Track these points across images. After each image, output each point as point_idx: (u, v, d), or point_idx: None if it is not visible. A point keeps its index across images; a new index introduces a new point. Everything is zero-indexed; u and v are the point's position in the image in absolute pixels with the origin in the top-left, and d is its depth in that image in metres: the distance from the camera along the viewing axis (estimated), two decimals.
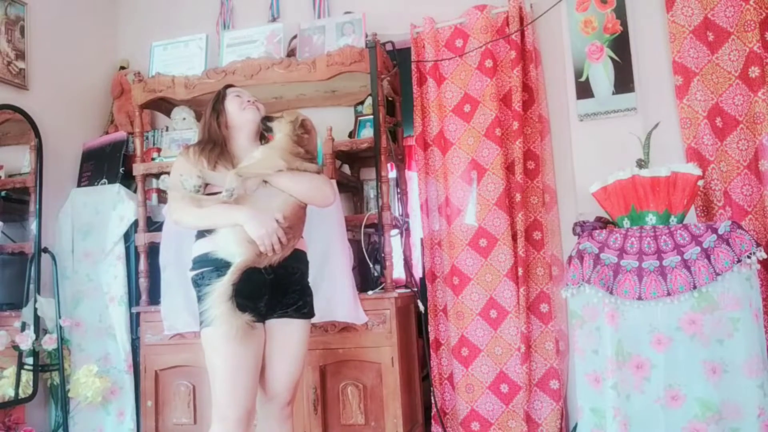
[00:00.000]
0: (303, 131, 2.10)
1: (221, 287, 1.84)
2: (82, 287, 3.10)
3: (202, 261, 2.01)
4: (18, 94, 3.05)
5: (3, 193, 3.04)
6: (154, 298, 2.96)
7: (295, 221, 2.03)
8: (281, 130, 2.09)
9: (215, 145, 2.11)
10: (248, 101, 2.18)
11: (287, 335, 2.05)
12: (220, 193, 1.97)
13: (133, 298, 3.07)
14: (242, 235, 1.91)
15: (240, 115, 2.15)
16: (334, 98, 3.27)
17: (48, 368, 2.95)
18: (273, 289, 2.00)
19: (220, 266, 1.94)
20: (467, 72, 2.97)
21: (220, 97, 2.19)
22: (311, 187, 2.07)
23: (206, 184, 2.03)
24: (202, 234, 2.05)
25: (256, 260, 1.92)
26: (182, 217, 2.01)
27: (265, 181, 2.01)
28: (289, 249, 2.00)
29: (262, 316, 2.00)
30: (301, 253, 2.12)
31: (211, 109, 2.18)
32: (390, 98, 3.15)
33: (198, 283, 2.00)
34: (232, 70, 2.91)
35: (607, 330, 2.13)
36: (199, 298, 1.98)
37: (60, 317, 2.94)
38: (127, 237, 3.10)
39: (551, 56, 2.96)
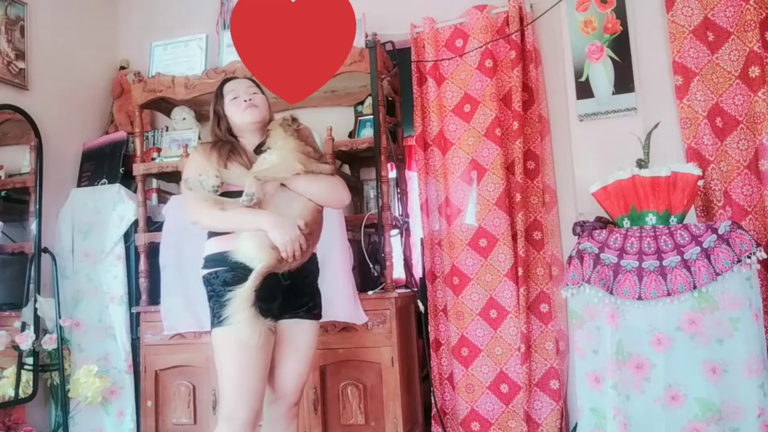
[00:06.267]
0: (297, 125, 2.06)
1: (244, 293, 1.82)
2: (82, 287, 3.10)
3: (216, 260, 1.99)
4: (18, 94, 3.05)
5: (3, 193, 3.04)
6: (154, 298, 2.96)
7: (315, 227, 2.02)
8: (278, 137, 2.03)
9: (225, 142, 2.09)
10: (245, 101, 2.08)
11: (297, 336, 2.04)
12: (235, 192, 1.94)
13: (133, 298, 3.07)
14: (265, 241, 1.89)
15: (241, 119, 2.08)
16: (334, 98, 3.27)
17: (48, 368, 2.95)
18: (287, 292, 2.00)
19: (235, 268, 1.93)
20: (467, 72, 2.97)
21: (218, 99, 2.14)
22: (328, 189, 2.05)
23: (222, 183, 2.00)
24: (214, 233, 2.03)
25: (276, 266, 1.91)
26: (203, 218, 1.98)
27: (283, 185, 1.99)
28: (307, 255, 2.00)
29: (275, 317, 1.98)
30: (313, 255, 2.12)
31: (212, 112, 2.15)
32: (390, 98, 3.15)
33: (211, 282, 1.98)
34: (232, 70, 2.91)
35: (607, 330, 2.13)
36: (211, 297, 1.97)
37: (60, 317, 2.94)
38: (127, 237, 3.10)
39: (551, 56, 2.96)
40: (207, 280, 2.01)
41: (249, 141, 2.11)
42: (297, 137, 2.04)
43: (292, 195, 1.99)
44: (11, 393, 2.79)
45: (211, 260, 2.01)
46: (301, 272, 2.01)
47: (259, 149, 2.05)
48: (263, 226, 1.90)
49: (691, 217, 2.50)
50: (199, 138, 3.16)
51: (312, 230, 2.00)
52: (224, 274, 1.95)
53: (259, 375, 1.92)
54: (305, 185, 2.00)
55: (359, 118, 3.18)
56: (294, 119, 2.06)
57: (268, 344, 1.92)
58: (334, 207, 2.14)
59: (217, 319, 1.93)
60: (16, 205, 3.07)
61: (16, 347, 2.79)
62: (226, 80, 2.20)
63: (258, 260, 1.89)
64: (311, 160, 2.03)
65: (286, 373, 2.04)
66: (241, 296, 1.82)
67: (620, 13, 2.76)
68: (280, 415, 2.06)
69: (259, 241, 1.90)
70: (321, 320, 2.18)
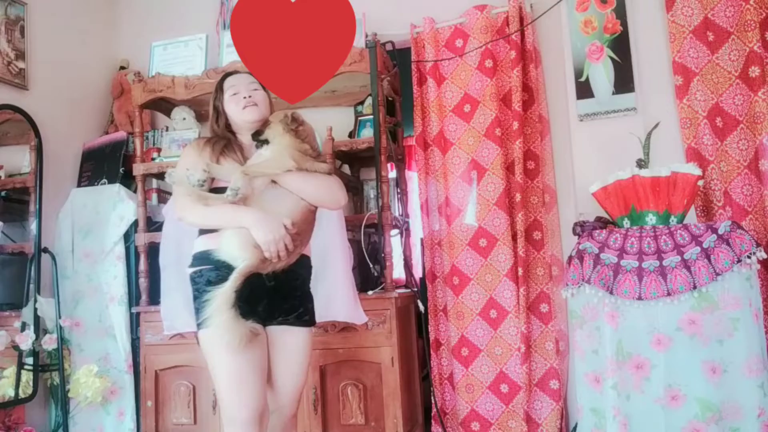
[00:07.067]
0: (296, 124, 1.98)
1: (224, 294, 1.76)
2: (82, 287, 3.10)
3: (201, 259, 1.94)
4: (18, 94, 3.05)
5: (3, 193, 3.04)
6: (154, 298, 2.96)
7: (304, 227, 1.94)
8: (276, 133, 1.97)
9: (221, 138, 2.05)
10: (245, 98, 2.03)
11: (288, 344, 1.97)
12: (225, 189, 1.88)
13: (133, 298, 3.07)
14: (247, 239, 1.82)
15: (240, 117, 2.04)
16: (334, 98, 3.27)
17: (48, 368, 2.95)
18: (272, 294, 1.93)
19: (220, 267, 1.87)
20: (467, 72, 2.97)
21: (218, 94, 2.09)
22: (323, 188, 1.97)
23: (212, 179, 1.94)
24: (203, 230, 1.98)
25: (259, 266, 1.84)
26: (187, 214, 1.92)
27: (274, 181, 1.93)
28: (295, 256, 1.91)
29: (262, 320, 1.93)
30: (305, 258, 2.04)
31: (212, 108, 2.10)
32: (390, 98, 3.15)
33: (196, 281, 1.94)
34: (232, 69, 2.90)
35: (607, 330, 2.13)
36: (195, 297, 1.92)
37: (60, 317, 2.94)
38: (127, 237, 3.10)
39: (551, 56, 2.96)
40: (192, 279, 1.95)
41: (247, 138, 2.06)
42: (295, 135, 1.98)
43: (282, 193, 1.92)
44: (11, 393, 2.79)
45: (198, 258, 1.96)
46: (288, 274, 1.93)
47: (256, 137, 1.99)
48: (246, 224, 1.83)
49: (691, 217, 2.49)
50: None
51: (300, 230, 1.91)
52: (208, 272, 1.90)
53: (253, 375, 1.85)
54: (298, 183, 1.93)
55: (359, 118, 3.18)
56: (294, 118, 2.00)
57: (257, 345, 1.86)
58: (330, 208, 2.07)
59: (199, 319, 1.86)
60: (16, 205, 3.07)
61: (16, 347, 2.79)
62: (227, 75, 2.15)
63: (241, 259, 1.82)
64: (307, 158, 1.96)
65: (279, 385, 1.97)
66: (221, 297, 1.76)
67: (620, 13, 2.76)
68: (278, 427, 1.99)
69: (242, 239, 1.83)
70: (321, 320, 2.16)
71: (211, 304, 1.77)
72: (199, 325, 1.89)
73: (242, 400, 1.83)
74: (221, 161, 1.96)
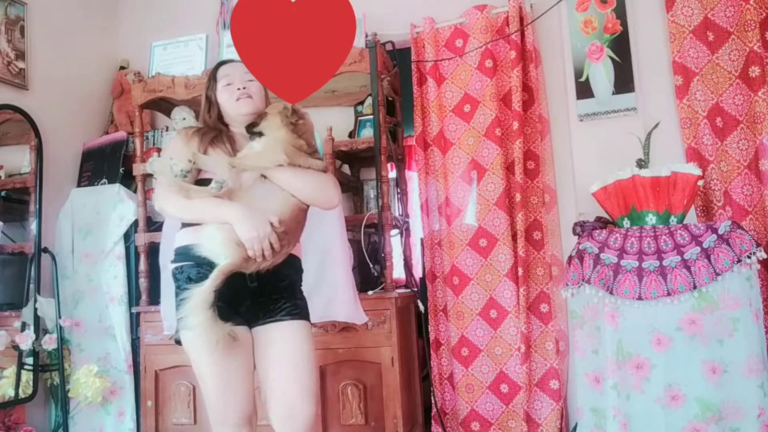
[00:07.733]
0: (297, 117, 1.89)
1: (202, 293, 1.66)
2: (82, 287, 3.10)
3: (183, 254, 1.85)
4: (18, 94, 3.05)
5: (3, 193, 3.04)
6: (154, 298, 2.96)
7: (293, 226, 1.84)
8: (272, 125, 1.87)
9: (211, 128, 1.95)
10: (239, 89, 1.94)
11: (276, 339, 1.83)
12: (211, 181, 1.79)
13: (133, 298, 3.07)
14: (230, 235, 1.72)
15: (233, 108, 1.94)
16: (334, 98, 3.27)
17: (48, 368, 2.95)
18: (256, 295, 1.83)
19: (201, 263, 1.77)
20: (467, 72, 2.97)
21: (211, 83, 1.99)
22: (315, 186, 1.86)
23: (198, 170, 1.85)
24: (186, 223, 1.89)
25: (242, 265, 1.74)
26: (167, 206, 1.82)
27: (264, 177, 1.83)
28: (281, 256, 1.80)
29: (246, 321, 1.83)
30: (294, 259, 1.93)
31: (204, 97, 2.00)
32: (390, 98, 3.15)
33: (177, 277, 1.85)
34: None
35: (607, 330, 2.13)
36: (177, 295, 1.83)
37: (60, 317, 2.94)
38: (127, 237, 3.10)
39: (551, 56, 2.96)
40: (174, 275, 1.87)
41: (240, 130, 1.96)
42: (293, 130, 1.89)
43: (272, 188, 1.82)
44: (11, 393, 2.79)
45: (179, 254, 1.87)
46: (273, 275, 1.82)
47: (250, 129, 1.90)
48: (229, 219, 1.73)
49: (691, 217, 2.50)
50: None
51: (289, 229, 1.81)
52: (189, 269, 1.81)
53: (237, 378, 1.78)
54: (289, 179, 1.83)
55: (359, 118, 3.18)
56: (295, 111, 1.91)
57: (239, 347, 1.77)
58: (322, 207, 1.93)
59: (180, 322, 1.75)
60: (16, 205, 3.07)
61: (16, 347, 2.79)
62: (221, 63, 2.06)
63: (223, 257, 1.73)
64: (300, 154, 1.87)
65: (279, 391, 1.80)
66: (198, 296, 1.66)
67: (620, 13, 2.76)
68: None
69: (224, 235, 1.73)
70: (321, 320, 2.15)
71: (187, 303, 1.67)
72: (178, 325, 1.78)
73: (227, 405, 1.77)
74: (209, 152, 1.86)
